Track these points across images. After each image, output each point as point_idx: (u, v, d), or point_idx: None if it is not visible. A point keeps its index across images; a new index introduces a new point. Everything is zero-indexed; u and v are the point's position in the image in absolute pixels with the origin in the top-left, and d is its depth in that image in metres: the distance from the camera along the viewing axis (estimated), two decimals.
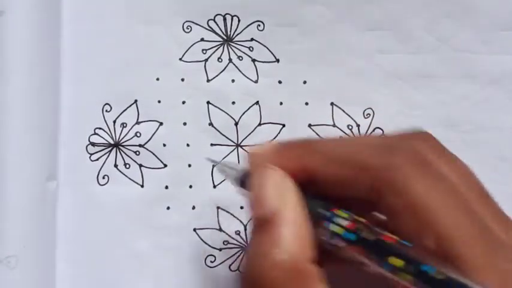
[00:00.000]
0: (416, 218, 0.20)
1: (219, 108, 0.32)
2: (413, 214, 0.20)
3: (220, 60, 0.32)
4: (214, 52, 0.32)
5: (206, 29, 0.32)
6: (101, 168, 0.32)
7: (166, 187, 0.32)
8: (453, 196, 0.20)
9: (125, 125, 0.32)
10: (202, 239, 0.32)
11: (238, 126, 0.32)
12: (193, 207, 0.32)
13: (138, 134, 0.32)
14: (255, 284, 0.21)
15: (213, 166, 0.32)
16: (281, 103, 0.32)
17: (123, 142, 0.32)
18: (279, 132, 0.32)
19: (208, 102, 0.32)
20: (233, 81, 0.32)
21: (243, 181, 0.25)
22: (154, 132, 0.32)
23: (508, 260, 0.19)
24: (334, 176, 0.23)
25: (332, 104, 0.32)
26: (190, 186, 0.32)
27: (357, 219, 0.22)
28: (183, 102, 0.32)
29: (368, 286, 0.22)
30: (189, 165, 0.32)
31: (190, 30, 0.32)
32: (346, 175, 0.22)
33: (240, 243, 0.32)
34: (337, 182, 0.23)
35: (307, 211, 0.22)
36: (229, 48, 0.32)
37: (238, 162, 0.32)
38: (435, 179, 0.21)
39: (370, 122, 0.32)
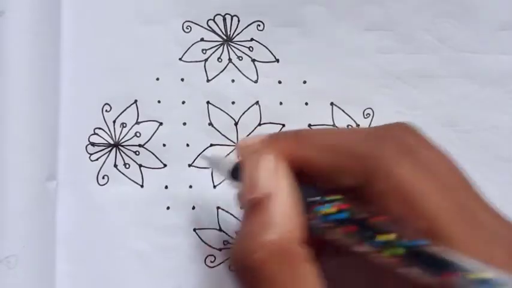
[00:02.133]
0: (402, 201, 0.21)
1: (219, 108, 0.32)
2: (400, 198, 0.21)
3: (220, 60, 0.32)
4: (214, 52, 0.32)
5: (206, 29, 0.32)
6: (100, 168, 0.32)
7: (166, 187, 0.32)
8: (436, 180, 0.21)
9: (124, 125, 0.32)
10: (202, 239, 0.32)
11: (238, 126, 0.32)
12: (193, 207, 0.32)
13: (138, 134, 0.32)
14: (244, 265, 0.22)
15: (206, 161, 0.31)
16: (281, 103, 0.32)
17: (123, 142, 0.32)
18: None
19: (208, 102, 0.32)
20: (233, 81, 0.32)
21: (234, 173, 0.25)
22: (154, 132, 0.32)
23: (488, 239, 0.20)
24: (324, 166, 0.23)
25: (332, 104, 0.32)
26: (190, 186, 0.32)
27: (348, 202, 0.22)
28: (183, 102, 0.32)
29: (363, 280, 0.23)
30: (189, 165, 0.32)
31: (190, 30, 0.32)
32: (336, 164, 0.23)
33: None
34: (327, 171, 0.23)
35: (298, 195, 0.23)
36: (229, 48, 0.32)
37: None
38: (419, 165, 0.21)
39: (370, 122, 0.32)
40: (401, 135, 0.23)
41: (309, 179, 0.24)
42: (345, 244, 0.22)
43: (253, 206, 0.23)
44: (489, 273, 0.17)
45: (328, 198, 0.23)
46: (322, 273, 0.22)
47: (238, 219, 0.32)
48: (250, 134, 0.32)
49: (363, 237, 0.21)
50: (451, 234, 0.20)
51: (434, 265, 0.19)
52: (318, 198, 0.23)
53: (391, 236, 0.20)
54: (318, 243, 0.23)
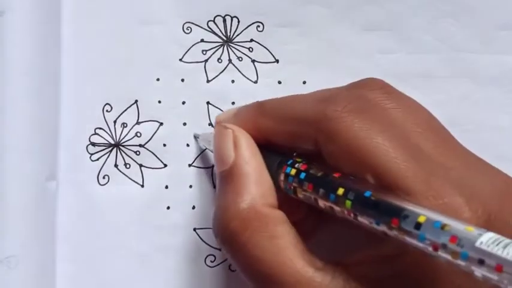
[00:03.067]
0: (353, 159, 0.21)
1: (219, 108, 0.32)
2: (351, 156, 0.21)
3: (220, 61, 0.32)
4: (214, 53, 0.33)
5: (206, 30, 0.32)
6: (101, 168, 0.32)
7: (167, 187, 0.32)
8: (391, 132, 0.21)
9: (125, 125, 0.32)
10: (202, 239, 0.32)
11: None
12: (193, 207, 0.32)
13: (139, 134, 0.32)
14: (223, 236, 0.23)
15: (196, 139, 0.32)
16: None
17: (123, 142, 0.32)
18: None
19: (208, 103, 0.32)
20: (233, 81, 0.32)
21: None
22: (155, 132, 0.32)
23: (442, 183, 0.20)
24: (283, 133, 0.24)
25: None
26: (191, 186, 0.32)
27: (306, 163, 0.23)
28: (183, 103, 0.32)
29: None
30: (189, 165, 0.32)
31: (190, 31, 0.32)
32: (291, 131, 0.24)
33: None
34: (286, 138, 0.24)
35: (263, 162, 0.24)
36: (229, 49, 0.33)
37: None
38: (373, 119, 0.21)
39: None
40: (360, 91, 0.23)
41: (276, 147, 0.25)
42: (308, 203, 0.23)
43: (222, 178, 0.24)
44: (426, 216, 0.17)
45: (289, 162, 0.24)
46: (301, 235, 0.22)
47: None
48: None
49: (318, 195, 0.22)
50: (400, 184, 0.20)
51: (377, 214, 0.19)
52: (280, 162, 0.24)
53: (340, 191, 0.20)
54: (295, 210, 0.24)
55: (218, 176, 0.25)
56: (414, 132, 0.21)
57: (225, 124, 0.26)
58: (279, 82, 0.32)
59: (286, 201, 0.24)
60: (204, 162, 0.32)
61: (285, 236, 0.22)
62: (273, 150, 0.25)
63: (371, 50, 0.32)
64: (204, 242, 0.32)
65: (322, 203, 0.22)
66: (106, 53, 0.32)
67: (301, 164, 0.23)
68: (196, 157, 0.32)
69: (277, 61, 0.32)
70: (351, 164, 0.21)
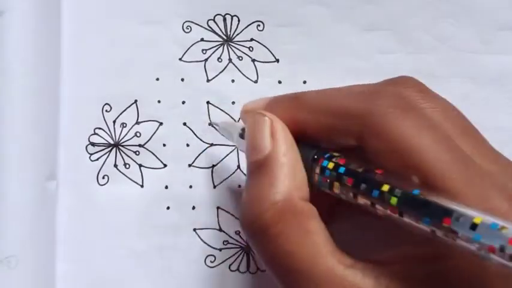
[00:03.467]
0: (399, 158, 0.21)
1: (219, 108, 0.32)
2: (397, 155, 0.21)
3: (220, 60, 0.32)
4: (214, 52, 0.32)
5: (206, 29, 0.32)
6: (100, 168, 0.32)
7: (166, 187, 0.32)
8: (434, 132, 0.21)
9: (124, 125, 0.32)
10: (202, 239, 0.32)
11: None
12: (193, 207, 0.32)
13: (138, 134, 0.32)
14: (255, 227, 0.22)
15: (216, 127, 0.32)
16: None
17: (123, 142, 0.32)
18: None
19: (208, 102, 0.32)
20: (233, 81, 0.32)
21: (243, 136, 0.26)
22: (154, 132, 0.32)
23: (487, 187, 0.19)
24: (322, 126, 0.24)
25: None
26: (190, 186, 0.32)
27: (345, 158, 0.23)
28: (183, 102, 0.32)
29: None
30: (189, 165, 0.32)
31: (190, 30, 0.32)
32: (332, 124, 0.23)
33: (240, 243, 0.32)
34: (325, 132, 0.24)
35: (298, 155, 0.23)
36: (229, 48, 0.32)
37: (238, 161, 0.32)
38: (417, 118, 0.21)
39: None
40: (400, 89, 0.22)
41: (311, 140, 0.24)
42: (344, 199, 0.22)
43: (255, 168, 0.23)
44: (482, 218, 0.17)
45: (326, 155, 0.23)
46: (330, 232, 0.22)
47: (238, 219, 0.32)
48: None
49: (359, 191, 0.21)
50: (446, 185, 0.19)
51: (427, 213, 0.19)
52: (316, 156, 0.23)
53: (385, 187, 0.20)
54: (325, 206, 0.23)
55: (251, 165, 0.24)
56: (454, 133, 0.21)
57: (263, 112, 0.25)
58: (279, 82, 0.32)
59: (313, 196, 0.24)
60: (204, 162, 0.32)
61: (318, 231, 0.22)
62: (305, 143, 0.24)
63: (371, 50, 0.32)
64: (204, 242, 0.32)
65: (362, 199, 0.21)
66: (105, 53, 0.32)
67: (339, 158, 0.23)
68: (197, 157, 0.32)
69: (277, 61, 0.32)
70: (396, 162, 0.21)
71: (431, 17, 0.32)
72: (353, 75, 0.32)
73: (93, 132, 0.32)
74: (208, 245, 0.32)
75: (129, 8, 0.32)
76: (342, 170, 0.22)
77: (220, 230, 0.32)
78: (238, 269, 0.32)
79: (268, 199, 0.22)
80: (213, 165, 0.32)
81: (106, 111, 0.32)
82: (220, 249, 0.32)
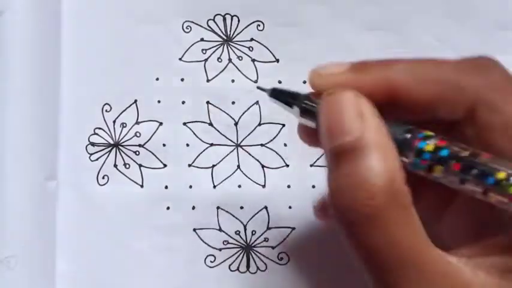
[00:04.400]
0: (510, 137, 0.20)
1: (219, 108, 0.32)
2: (507, 133, 0.20)
3: (220, 60, 0.32)
4: (214, 52, 0.32)
5: (206, 29, 0.32)
6: (100, 168, 0.32)
7: (166, 187, 0.32)
8: None
9: (124, 125, 0.32)
10: (202, 239, 0.32)
11: (238, 126, 0.32)
12: (193, 207, 0.32)
13: (138, 134, 0.32)
14: (359, 215, 0.20)
15: (268, 94, 0.26)
16: None
17: (122, 142, 0.32)
18: (278, 132, 0.32)
19: (208, 102, 0.32)
20: (233, 81, 0.32)
21: (307, 109, 0.23)
22: (154, 132, 0.32)
23: None
24: (422, 97, 0.21)
25: None
26: (190, 186, 0.32)
27: (444, 138, 0.21)
28: (183, 102, 0.32)
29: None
30: (189, 165, 0.32)
31: (190, 30, 0.32)
32: (435, 95, 0.21)
33: (240, 243, 0.32)
34: (424, 103, 0.21)
35: (389, 133, 0.21)
36: (229, 48, 0.32)
37: (238, 161, 0.32)
38: None
39: None
40: (502, 69, 0.21)
41: (396, 113, 0.22)
42: (447, 184, 0.20)
43: (344, 152, 0.20)
44: None
45: (421, 135, 0.21)
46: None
47: (238, 219, 0.32)
48: (250, 134, 0.32)
49: (469, 177, 0.19)
50: None
51: None
52: (409, 135, 0.21)
53: (502, 175, 0.18)
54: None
55: (336, 149, 0.21)
56: None
57: (342, 87, 0.22)
58: (279, 81, 0.32)
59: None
60: (204, 162, 0.32)
61: (416, 217, 0.20)
62: (395, 121, 0.22)
63: (371, 50, 0.32)
64: (204, 242, 0.32)
65: (471, 187, 0.19)
66: (105, 53, 0.32)
67: (435, 139, 0.20)
68: (196, 157, 0.32)
69: (277, 60, 0.32)
70: (507, 142, 0.20)
71: (432, 17, 0.32)
72: None
73: (93, 132, 0.32)
74: (208, 245, 0.32)
75: (129, 8, 0.32)
76: (444, 152, 0.20)
77: (220, 230, 0.32)
78: (238, 269, 0.32)
79: (370, 184, 0.19)
80: (213, 165, 0.32)
81: (106, 111, 0.32)
82: (220, 249, 0.32)
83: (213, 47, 0.32)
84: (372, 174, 0.20)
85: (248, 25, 0.32)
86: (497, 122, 0.20)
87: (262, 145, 0.32)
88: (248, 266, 0.32)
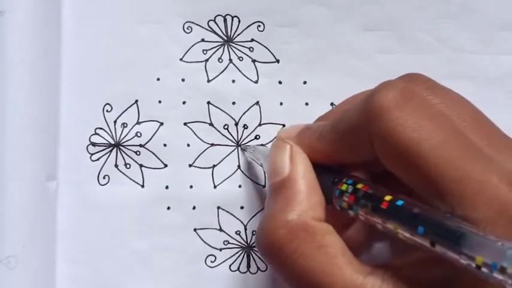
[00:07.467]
0: (403, 157, 0.20)
1: (219, 108, 0.32)
2: (401, 154, 0.20)
3: (220, 60, 0.32)
4: (214, 53, 0.33)
5: (206, 29, 0.32)
6: (101, 168, 0.32)
7: (167, 187, 0.32)
8: (440, 122, 0.20)
9: (125, 125, 0.32)
10: (202, 239, 0.32)
11: (238, 126, 0.32)
12: (194, 207, 0.32)
13: (139, 134, 0.32)
14: (268, 243, 0.23)
15: (243, 151, 0.32)
16: (281, 103, 0.32)
17: (123, 142, 0.32)
18: None
19: (208, 103, 0.32)
20: (233, 81, 0.32)
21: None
22: (155, 132, 0.32)
23: (497, 177, 0.19)
24: (341, 153, 0.24)
25: (332, 104, 0.32)
26: (191, 186, 0.32)
27: (363, 181, 0.23)
28: (184, 103, 0.32)
29: None
30: (190, 165, 0.32)
31: (191, 30, 0.32)
32: (344, 145, 0.23)
33: (240, 243, 0.32)
34: (347, 156, 0.24)
35: (316, 178, 0.24)
36: (229, 48, 0.33)
37: (238, 161, 0.32)
38: (422, 109, 0.21)
39: None
40: (403, 84, 0.22)
41: (340, 165, 0.25)
42: (364, 220, 0.22)
43: (274, 189, 0.24)
44: (483, 260, 0.17)
45: (344, 180, 0.23)
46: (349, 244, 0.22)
47: (239, 219, 0.32)
48: (250, 134, 0.32)
49: (370, 211, 0.22)
50: (455, 180, 0.19)
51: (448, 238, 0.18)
52: (337, 179, 0.24)
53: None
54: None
55: (270, 186, 0.25)
56: (460, 124, 0.21)
57: (284, 139, 0.26)
58: (280, 82, 0.32)
59: (333, 214, 0.24)
60: (204, 162, 0.32)
61: (333, 244, 0.22)
62: (328, 168, 0.25)
63: (371, 50, 0.32)
64: (204, 242, 0.32)
65: (369, 219, 0.22)
66: (106, 53, 0.32)
67: (359, 183, 0.23)
68: (197, 157, 0.32)
69: (277, 61, 0.32)
70: (403, 162, 0.20)
71: (432, 17, 0.32)
72: (353, 75, 0.32)
73: (93, 132, 0.32)
74: (209, 245, 0.32)
75: (129, 8, 0.32)
76: (360, 193, 0.22)
77: (220, 230, 0.32)
78: (238, 269, 0.32)
79: (282, 217, 0.23)
80: (214, 165, 0.32)
81: (107, 111, 0.32)
82: (220, 249, 0.32)
83: (213, 48, 0.33)
84: (287, 209, 0.23)
85: (248, 26, 0.32)
86: (389, 151, 0.21)
87: (262, 145, 0.32)
88: (249, 266, 0.32)
